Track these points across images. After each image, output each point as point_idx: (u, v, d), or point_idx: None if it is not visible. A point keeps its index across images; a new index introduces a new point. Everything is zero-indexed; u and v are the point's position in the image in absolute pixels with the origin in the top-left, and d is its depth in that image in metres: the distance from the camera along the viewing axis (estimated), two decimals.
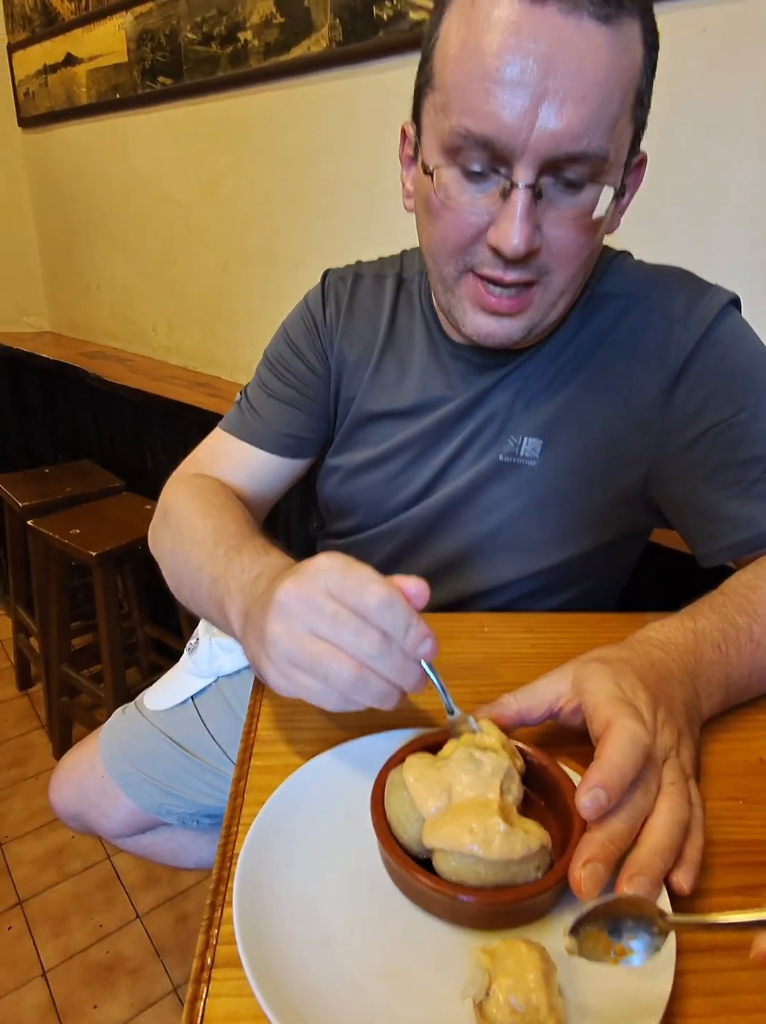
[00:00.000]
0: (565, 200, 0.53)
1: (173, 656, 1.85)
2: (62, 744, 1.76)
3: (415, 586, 0.41)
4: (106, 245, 2.14)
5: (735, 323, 0.63)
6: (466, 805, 0.37)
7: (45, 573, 1.64)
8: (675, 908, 0.35)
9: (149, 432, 1.80)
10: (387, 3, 1.17)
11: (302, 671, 0.40)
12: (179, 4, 1.56)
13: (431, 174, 0.55)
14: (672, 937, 0.33)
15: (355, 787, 0.42)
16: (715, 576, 0.60)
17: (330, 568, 0.41)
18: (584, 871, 0.34)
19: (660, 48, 0.53)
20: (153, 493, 1.77)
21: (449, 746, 0.42)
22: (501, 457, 0.69)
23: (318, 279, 0.81)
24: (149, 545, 0.74)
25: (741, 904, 0.37)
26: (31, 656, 1.96)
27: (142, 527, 1.53)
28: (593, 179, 0.52)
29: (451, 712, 0.44)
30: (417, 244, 0.70)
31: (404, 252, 0.79)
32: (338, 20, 1.25)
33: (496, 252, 0.54)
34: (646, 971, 0.31)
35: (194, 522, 0.64)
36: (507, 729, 0.44)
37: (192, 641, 0.89)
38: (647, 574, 0.85)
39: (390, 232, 1.32)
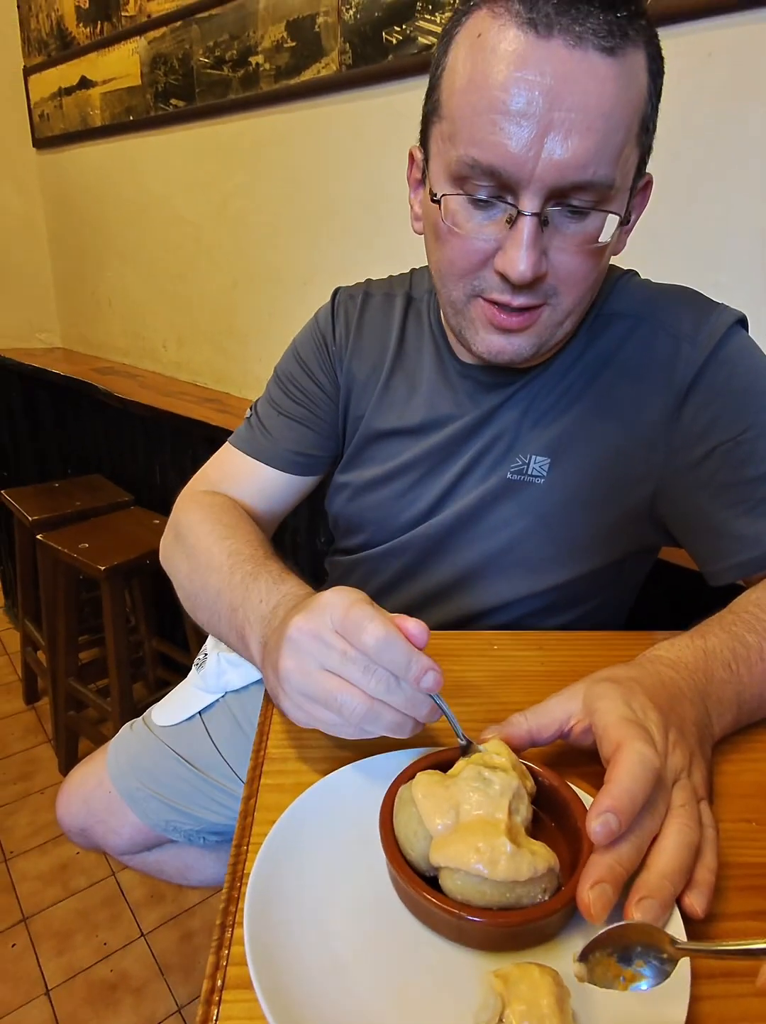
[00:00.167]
0: (571, 227, 0.54)
1: (180, 670, 1.86)
2: (68, 758, 1.75)
3: (415, 627, 0.42)
4: (118, 263, 2.17)
5: (742, 342, 0.63)
6: (474, 824, 0.37)
7: (53, 587, 1.65)
8: (689, 932, 0.35)
9: (158, 447, 1.81)
10: (396, 28, 1.19)
11: (317, 704, 0.42)
12: (192, 29, 1.59)
13: (438, 201, 0.56)
14: (686, 963, 0.33)
15: (365, 806, 0.42)
16: (724, 595, 0.60)
17: (335, 605, 0.43)
18: (593, 893, 0.33)
19: (667, 72, 0.54)
20: (162, 508, 1.79)
21: (459, 764, 0.42)
22: (509, 475, 0.69)
23: (326, 297, 0.82)
24: (160, 560, 0.74)
25: (756, 929, 0.37)
26: (38, 670, 1.96)
27: (151, 542, 1.56)
28: (598, 206, 0.53)
29: (462, 742, 0.44)
30: (424, 263, 0.71)
31: (413, 271, 0.80)
32: (348, 44, 1.27)
33: (503, 278, 0.55)
34: (661, 998, 0.31)
35: (209, 545, 0.65)
36: (518, 749, 0.44)
37: (200, 656, 0.89)
38: (656, 592, 0.85)
39: (396, 251, 1.34)
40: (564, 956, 0.35)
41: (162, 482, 1.86)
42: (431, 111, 0.57)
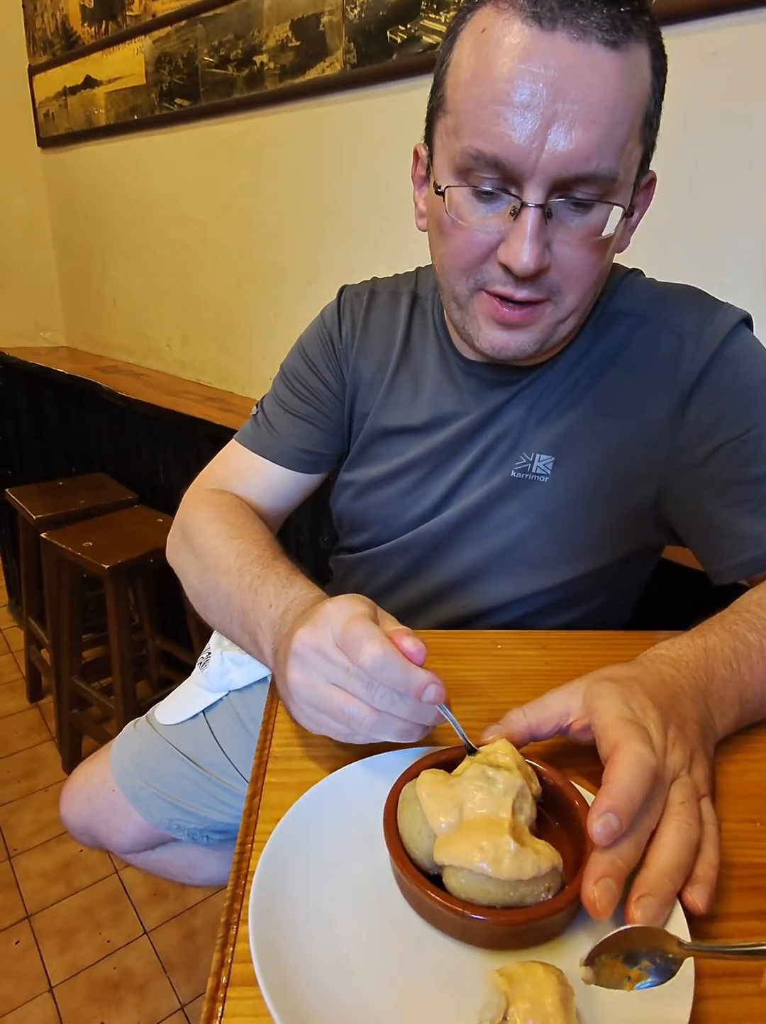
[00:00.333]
0: (574, 219, 0.54)
1: (183, 669, 1.86)
2: (72, 757, 1.76)
3: (411, 645, 0.42)
4: (122, 262, 2.18)
5: (747, 341, 0.63)
6: (477, 823, 0.37)
7: (57, 585, 1.65)
8: (693, 931, 0.35)
9: (162, 446, 1.81)
10: (400, 27, 1.19)
11: (326, 715, 0.44)
12: (197, 28, 1.59)
13: (442, 194, 0.56)
14: (690, 963, 0.33)
15: (370, 804, 0.42)
16: (728, 594, 0.60)
17: (335, 620, 0.43)
18: (597, 889, 0.33)
19: (672, 70, 0.54)
20: (166, 506, 1.80)
21: (463, 764, 0.42)
22: (513, 473, 0.69)
23: (330, 296, 0.82)
24: (168, 559, 0.75)
25: (759, 929, 0.37)
26: (42, 668, 1.97)
27: (154, 540, 1.57)
28: (602, 199, 0.53)
29: (470, 751, 0.44)
30: (428, 262, 0.71)
31: (419, 269, 0.80)
32: (352, 43, 1.28)
33: (506, 270, 0.55)
34: (664, 997, 0.31)
35: (218, 546, 0.66)
36: (518, 744, 0.44)
37: (204, 655, 0.89)
38: (659, 592, 0.85)
39: (400, 250, 1.33)
40: (568, 955, 0.35)
41: (166, 481, 1.86)
42: (436, 107, 0.57)
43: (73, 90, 2.10)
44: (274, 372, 0.85)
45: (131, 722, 0.90)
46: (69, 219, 2.37)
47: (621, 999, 0.31)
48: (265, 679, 0.86)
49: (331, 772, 0.45)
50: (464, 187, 0.55)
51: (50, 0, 2.07)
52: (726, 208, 0.92)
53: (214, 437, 1.51)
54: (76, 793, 0.88)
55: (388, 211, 1.35)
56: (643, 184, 0.58)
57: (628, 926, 0.31)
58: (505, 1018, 0.30)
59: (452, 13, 1.09)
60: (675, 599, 0.90)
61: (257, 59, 1.47)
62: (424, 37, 1.17)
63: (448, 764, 0.44)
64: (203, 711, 0.86)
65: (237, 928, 0.36)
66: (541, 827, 0.41)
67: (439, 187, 0.56)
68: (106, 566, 1.46)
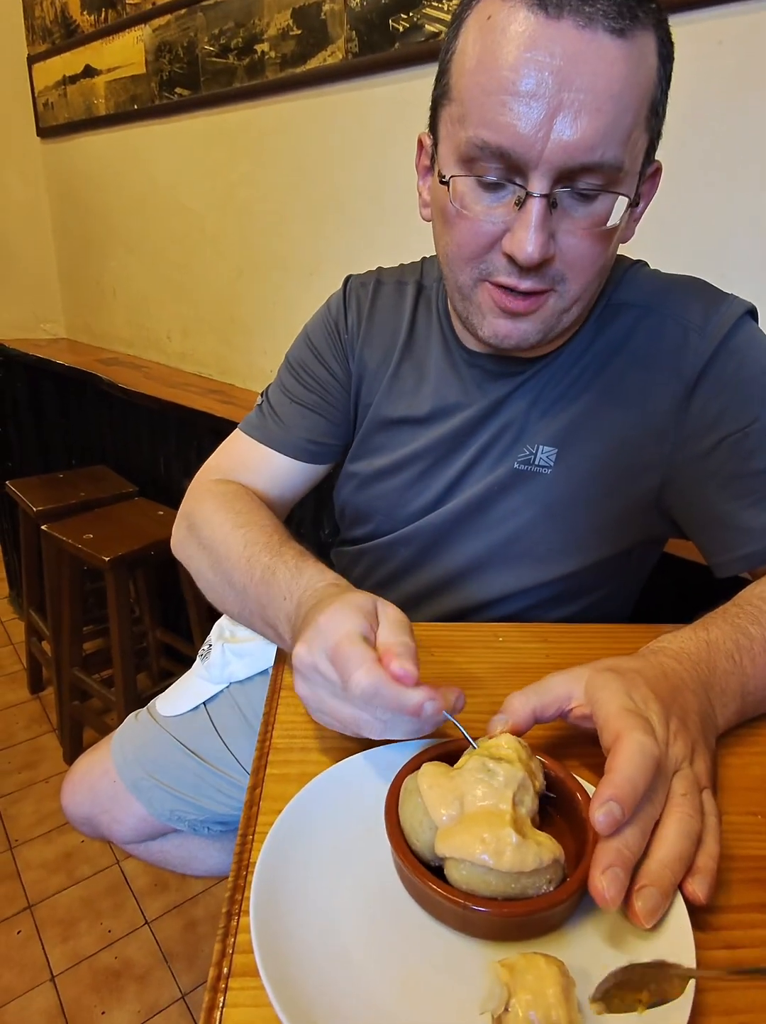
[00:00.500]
0: (579, 209, 0.53)
1: (184, 661, 1.86)
2: (73, 748, 1.76)
3: (400, 670, 0.42)
4: (122, 253, 2.17)
5: (751, 333, 0.63)
6: (479, 815, 0.37)
7: (58, 577, 1.65)
8: (694, 921, 0.35)
9: (163, 438, 1.81)
10: (403, 15, 1.18)
11: (337, 723, 0.45)
12: (197, 17, 1.58)
13: (447, 183, 0.55)
14: (692, 955, 0.33)
15: (371, 796, 0.42)
16: (730, 587, 0.59)
17: (328, 635, 0.44)
18: (605, 878, 0.33)
19: (677, 60, 0.53)
20: (166, 499, 1.79)
21: (464, 757, 0.42)
22: (516, 465, 0.69)
23: (331, 287, 0.82)
24: (174, 552, 0.75)
25: (760, 921, 0.37)
26: (43, 660, 1.97)
27: (155, 533, 1.57)
28: (607, 189, 0.53)
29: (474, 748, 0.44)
30: (430, 253, 0.70)
31: (424, 259, 0.79)
32: (354, 32, 1.26)
33: (511, 260, 0.55)
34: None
35: (225, 536, 0.66)
36: (523, 731, 0.43)
37: (205, 647, 0.89)
38: (662, 585, 0.85)
39: (402, 241, 1.33)
40: (570, 946, 0.35)
41: (167, 473, 1.86)
42: (440, 95, 0.56)
43: (73, 79, 2.08)
44: (275, 365, 0.84)
45: (132, 713, 0.90)
46: (69, 210, 2.36)
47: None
48: (266, 671, 0.86)
49: (332, 764, 0.45)
50: (469, 177, 0.54)
51: None
52: (730, 199, 0.91)
53: (215, 429, 1.50)
54: (77, 784, 0.88)
55: (390, 202, 1.34)
56: (648, 174, 0.58)
57: (632, 963, 0.31)
58: (507, 1009, 0.30)
59: (455, 1, 1.08)
60: (677, 592, 0.90)
61: (258, 48, 1.46)
62: (427, 26, 1.15)
63: (450, 756, 0.43)
64: (204, 703, 0.86)
65: (238, 919, 0.36)
66: (543, 820, 0.41)
67: (444, 177, 0.56)
68: (107, 558, 1.46)
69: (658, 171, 0.60)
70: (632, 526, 0.70)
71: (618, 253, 0.64)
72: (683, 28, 0.59)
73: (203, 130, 1.70)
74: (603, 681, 0.43)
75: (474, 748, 0.43)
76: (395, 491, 0.76)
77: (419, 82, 1.21)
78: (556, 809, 0.43)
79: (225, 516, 0.68)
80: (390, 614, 0.47)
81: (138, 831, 0.86)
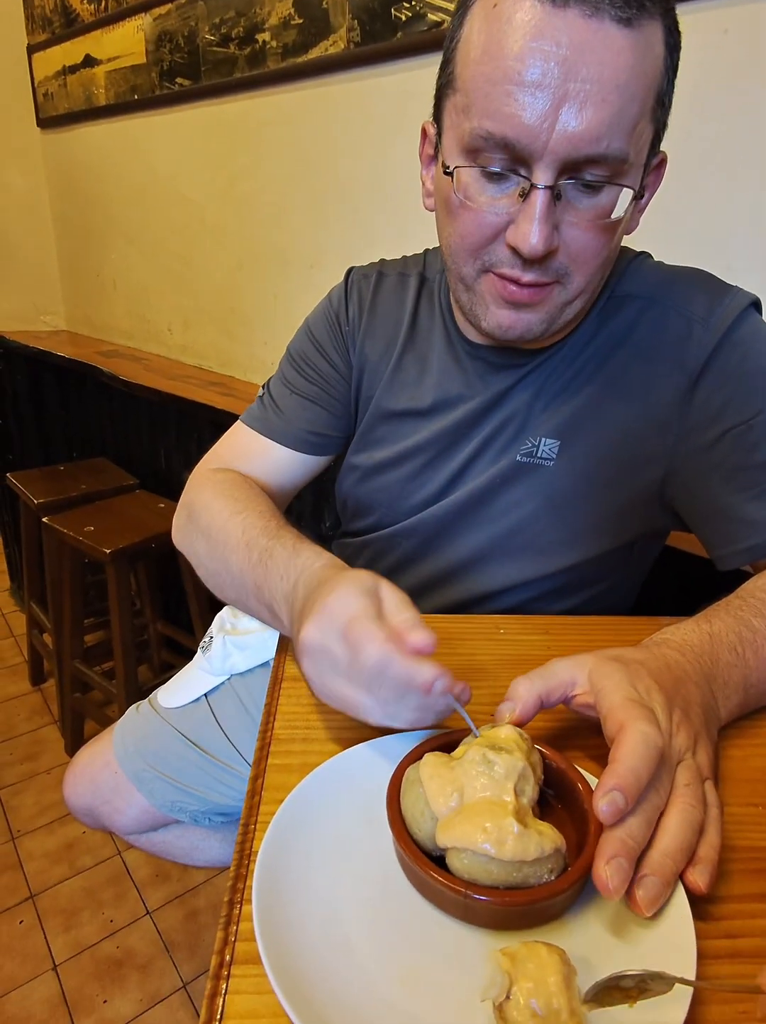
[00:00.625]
0: (584, 201, 0.53)
1: (185, 653, 1.87)
2: (74, 740, 1.77)
3: (421, 640, 0.42)
4: (123, 244, 2.16)
5: (756, 325, 0.62)
6: (480, 805, 0.37)
7: (59, 570, 1.66)
8: (695, 912, 0.35)
9: (164, 431, 1.81)
10: (405, 4, 1.17)
11: (340, 702, 0.45)
12: (197, 6, 1.57)
13: (451, 174, 0.55)
14: (692, 940, 0.33)
15: (372, 786, 0.42)
16: (732, 580, 0.59)
17: (339, 615, 0.44)
18: (609, 869, 0.34)
19: (682, 48, 0.53)
20: (167, 491, 1.79)
21: (462, 748, 0.42)
22: (518, 457, 0.68)
23: (333, 280, 0.81)
24: (174, 540, 0.75)
25: (761, 911, 0.37)
26: (44, 652, 1.98)
27: (156, 525, 1.57)
28: (612, 181, 0.52)
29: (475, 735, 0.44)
30: (433, 245, 0.70)
31: (427, 251, 0.79)
32: (356, 21, 1.25)
33: (514, 252, 0.54)
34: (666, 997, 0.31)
35: (224, 522, 0.66)
36: (530, 718, 0.44)
37: (206, 639, 0.90)
38: (664, 578, 0.85)
39: (404, 233, 1.33)
40: (571, 935, 0.35)
41: (167, 466, 1.86)
42: (445, 84, 0.56)
43: (72, 69, 2.07)
44: (276, 357, 0.84)
45: (133, 705, 0.90)
46: (69, 201, 2.35)
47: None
48: (267, 663, 0.86)
49: (334, 755, 0.45)
50: (473, 168, 0.54)
51: None
52: (736, 190, 0.90)
53: (216, 422, 1.50)
54: (79, 775, 0.88)
55: (392, 193, 1.34)
56: (653, 165, 0.57)
57: (623, 972, 0.30)
58: (508, 997, 0.30)
59: None
60: (679, 585, 0.90)
61: (259, 37, 1.45)
62: (429, 15, 1.14)
63: (451, 747, 0.44)
64: (205, 695, 0.86)
65: (241, 907, 0.36)
66: (543, 809, 0.41)
67: (447, 167, 0.55)
68: (108, 551, 1.46)
69: (663, 162, 0.59)
70: (634, 519, 0.70)
71: (622, 244, 0.63)
72: (688, 17, 0.59)
73: (204, 121, 1.70)
74: (607, 670, 0.43)
75: (476, 735, 0.43)
76: (397, 483, 0.76)
77: (422, 72, 1.20)
78: (556, 799, 0.43)
79: (224, 503, 0.68)
80: (391, 592, 0.47)
81: (139, 822, 0.86)
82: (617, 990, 0.30)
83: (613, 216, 0.54)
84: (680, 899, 0.35)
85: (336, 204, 1.45)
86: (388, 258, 0.81)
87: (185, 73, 1.67)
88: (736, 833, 0.41)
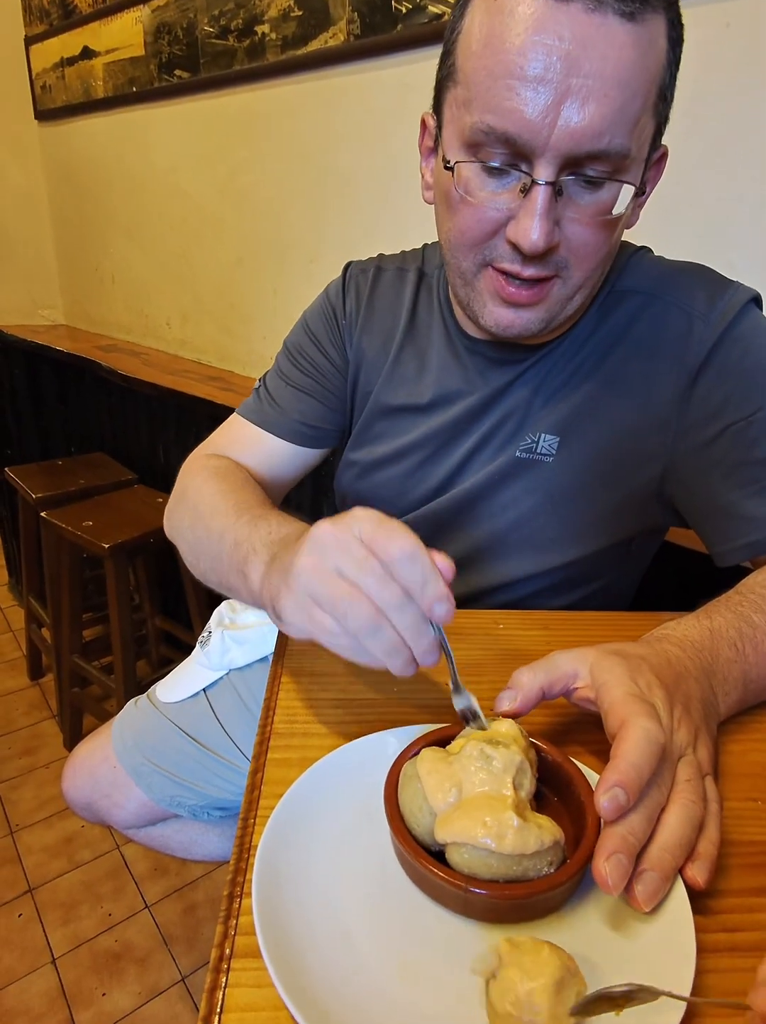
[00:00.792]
0: (585, 197, 0.53)
1: (183, 649, 1.87)
2: (73, 734, 1.77)
3: (443, 561, 0.41)
4: (121, 238, 2.15)
5: (756, 320, 0.62)
6: (479, 799, 0.37)
7: (57, 564, 1.65)
8: (694, 906, 0.35)
9: (162, 426, 1.80)
10: None
11: (321, 608, 0.41)
12: None
13: (451, 169, 0.55)
14: (691, 933, 0.33)
15: (371, 781, 0.42)
16: (732, 576, 0.59)
17: (366, 518, 0.42)
18: (609, 864, 0.34)
19: (684, 42, 0.53)
20: (165, 486, 1.78)
21: (458, 741, 0.42)
22: (517, 453, 0.68)
23: (331, 275, 0.81)
24: (164, 528, 0.74)
25: (760, 905, 0.37)
26: (43, 647, 1.98)
27: (154, 520, 1.56)
28: (613, 176, 0.52)
29: (455, 687, 0.44)
30: (433, 238, 0.69)
31: (425, 246, 0.79)
32: (356, 13, 1.25)
33: (515, 247, 0.54)
34: (664, 979, 0.31)
35: (214, 499, 0.65)
36: (531, 709, 0.44)
37: (204, 634, 0.90)
38: (663, 574, 0.85)
39: (404, 227, 1.32)
40: (570, 928, 0.35)
41: (166, 461, 1.85)
42: (445, 76, 0.55)
43: (70, 61, 2.06)
44: (275, 352, 0.84)
45: (132, 700, 0.90)
46: (67, 194, 2.34)
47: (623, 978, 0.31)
48: (266, 658, 0.86)
49: (333, 749, 0.45)
50: (474, 163, 0.53)
51: None
52: (737, 185, 0.90)
53: (214, 417, 1.49)
54: (78, 769, 0.88)
55: (392, 188, 1.33)
56: (654, 159, 0.57)
57: (611, 987, 0.30)
58: (496, 976, 0.30)
59: None
60: (678, 581, 0.90)
61: (258, 29, 1.44)
62: (430, 7, 1.14)
63: (447, 743, 0.43)
64: (204, 689, 0.86)
65: (240, 901, 0.36)
66: (539, 803, 0.41)
67: (448, 162, 0.55)
68: (106, 545, 1.46)
69: (664, 156, 0.59)
70: (634, 515, 0.70)
71: (622, 239, 0.63)
72: (690, 10, 0.58)
73: (203, 113, 1.69)
74: (609, 665, 0.43)
75: (454, 682, 0.44)
76: (396, 479, 0.76)
77: (423, 65, 1.19)
78: (551, 791, 0.43)
79: (217, 485, 0.67)
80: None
81: (138, 816, 0.86)
82: (604, 1000, 0.30)
83: (614, 212, 0.54)
84: (680, 894, 0.36)
85: (336, 198, 1.45)
86: (387, 253, 0.81)
87: (184, 65, 1.66)
88: (735, 828, 0.41)
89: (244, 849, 0.39)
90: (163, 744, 0.83)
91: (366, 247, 0.87)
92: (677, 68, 0.53)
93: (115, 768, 0.84)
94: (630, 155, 0.51)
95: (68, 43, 2.04)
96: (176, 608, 1.89)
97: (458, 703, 0.44)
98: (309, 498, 1.45)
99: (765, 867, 0.39)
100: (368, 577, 0.40)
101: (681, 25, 0.52)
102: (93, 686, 1.84)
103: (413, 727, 0.47)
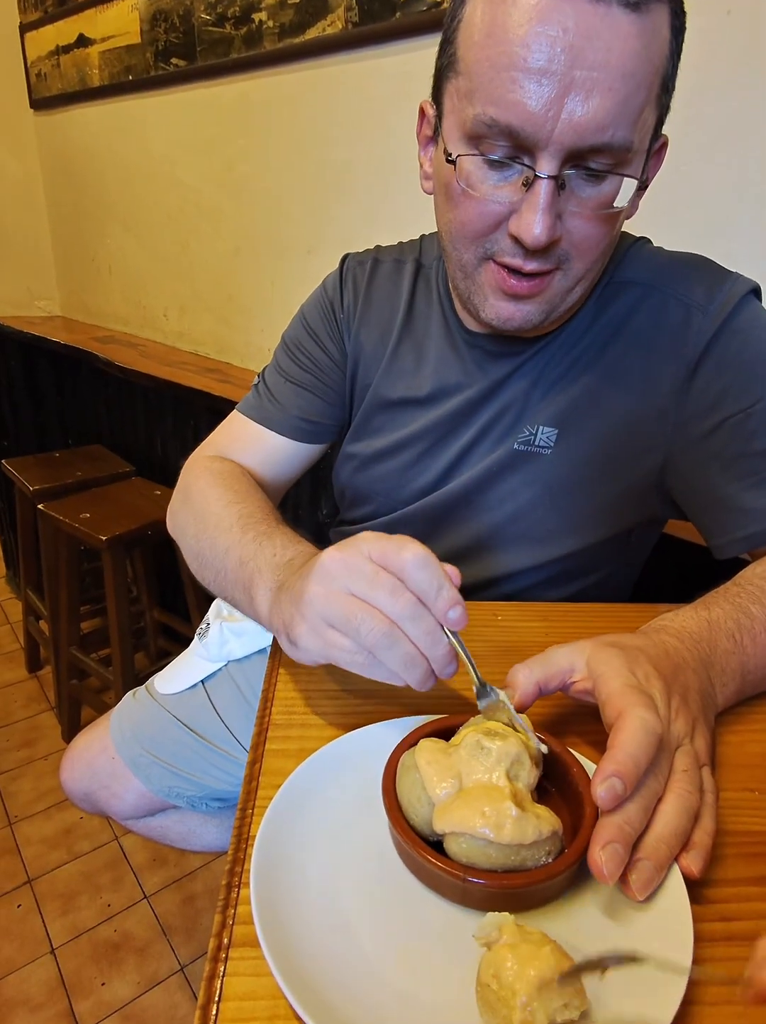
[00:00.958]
0: (587, 190, 0.52)
1: (181, 641, 1.87)
2: (71, 726, 1.78)
3: (451, 568, 0.42)
4: (118, 229, 2.14)
5: (755, 312, 0.62)
6: (478, 789, 0.38)
7: (55, 557, 1.65)
8: (691, 895, 0.35)
9: (160, 418, 1.80)
10: None
11: (335, 629, 0.42)
12: None
13: (453, 162, 0.54)
14: (689, 925, 0.33)
15: (369, 772, 0.42)
16: (730, 568, 0.59)
17: (373, 538, 0.42)
18: (605, 854, 0.34)
19: (685, 31, 0.52)
20: (163, 478, 1.79)
21: (460, 734, 0.42)
22: (516, 446, 0.68)
23: (330, 266, 0.81)
24: (168, 526, 0.74)
25: (757, 894, 0.37)
26: (41, 639, 1.98)
27: (152, 512, 1.56)
28: (616, 169, 0.52)
29: (480, 688, 0.44)
30: (432, 229, 0.69)
31: (423, 237, 0.78)
32: (355, 1, 1.23)
33: (517, 241, 0.54)
34: (660, 985, 0.31)
35: (219, 509, 0.65)
36: (528, 704, 0.44)
37: (203, 626, 0.90)
38: (662, 566, 0.85)
39: (403, 218, 1.31)
40: (567, 917, 0.35)
41: (163, 453, 1.85)
42: (446, 65, 0.55)
43: (66, 49, 2.04)
44: (273, 343, 0.84)
45: (130, 691, 0.91)
46: (63, 184, 2.32)
47: (623, 994, 0.31)
48: (264, 650, 0.86)
49: (331, 740, 0.45)
50: (475, 155, 0.53)
51: None
52: (737, 175, 0.90)
53: (212, 409, 1.49)
54: (76, 760, 0.88)
55: (392, 178, 1.32)
56: (655, 150, 0.57)
57: (602, 955, 0.30)
58: (490, 948, 0.31)
59: None
60: (677, 573, 0.91)
61: (255, 17, 1.43)
62: None
63: (447, 732, 0.44)
64: (202, 681, 0.86)
65: (239, 891, 0.36)
66: (538, 793, 0.41)
67: (450, 155, 0.54)
68: (104, 538, 1.45)
69: (664, 146, 0.58)
70: (632, 507, 0.70)
71: (622, 229, 0.63)
72: None
73: (199, 102, 1.67)
74: (606, 656, 0.43)
75: (478, 682, 0.43)
76: (395, 472, 0.76)
77: (422, 54, 1.18)
78: (550, 782, 0.43)
79: (221, 492, 0.68)
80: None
81: (137, 807, 0.86)
82: (588, 966, 0.30)
83: (616, 205, 0.53)
84: (677, 883, 0.36)
85: (334, 188, 1.44)
86: (385, 244, 0.80)
87: (180, 53, 1.65)
88: (732, 818, 0.42)
89: (242, 839, 0.39)
90: (161, 735, 0.84)
91: (365, 237, 0.87)
92: (679, 57, 0.52)
93: (113, 759, 0.84)
94: (633, 148, 0.51)
95: (63, 31, 2.02)
96: (174, 600, 1.89)
97: (483, 703, 0.44)
98: (307, 492, 1.45)
99: (762, 857, 0.40)
100: (379, 591, 0.40)
101: (683, 13, 0.51)
102: (91, 678, 1.84)
103: (412, 718, 0.47)
